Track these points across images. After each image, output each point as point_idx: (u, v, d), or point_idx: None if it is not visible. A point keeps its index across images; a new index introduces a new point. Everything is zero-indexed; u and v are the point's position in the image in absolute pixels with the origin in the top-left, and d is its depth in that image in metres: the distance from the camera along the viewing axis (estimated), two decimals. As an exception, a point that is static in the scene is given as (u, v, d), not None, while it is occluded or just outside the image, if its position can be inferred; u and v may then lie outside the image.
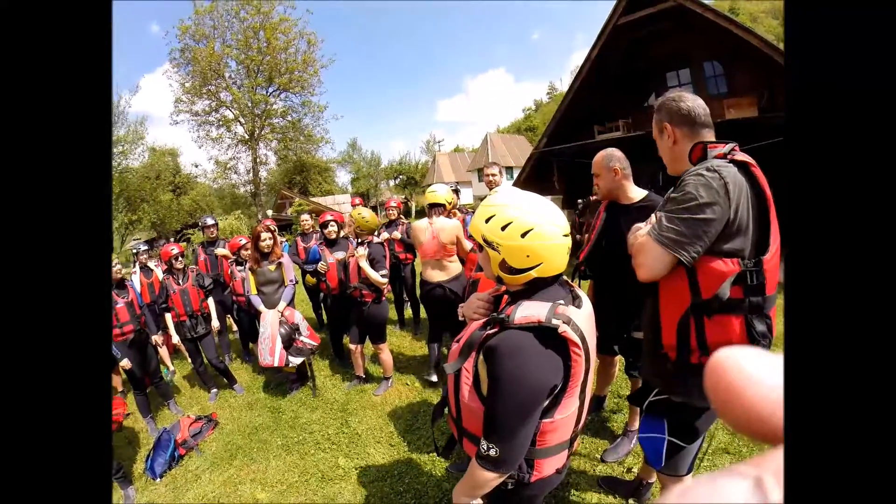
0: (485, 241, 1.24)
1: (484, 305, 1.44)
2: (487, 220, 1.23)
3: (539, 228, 1.19)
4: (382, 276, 3.83)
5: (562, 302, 1.21)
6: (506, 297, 1.40)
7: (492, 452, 1.17)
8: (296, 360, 4.25)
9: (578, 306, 1.27)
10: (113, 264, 4.30)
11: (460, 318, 1.55)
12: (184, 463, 3.73)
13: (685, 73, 12.86)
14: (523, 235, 1.18)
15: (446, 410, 1.52)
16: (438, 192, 3.99)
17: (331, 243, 4.55)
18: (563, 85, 79.62)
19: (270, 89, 26.72)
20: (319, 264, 4.49)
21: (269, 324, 4.25)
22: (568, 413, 1.26)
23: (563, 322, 1.14)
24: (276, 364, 4.20)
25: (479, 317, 1.40)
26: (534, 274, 1.22)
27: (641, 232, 1.62)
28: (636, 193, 2.52)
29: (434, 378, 4.15)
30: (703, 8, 10.09)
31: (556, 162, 13.56)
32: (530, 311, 1.17)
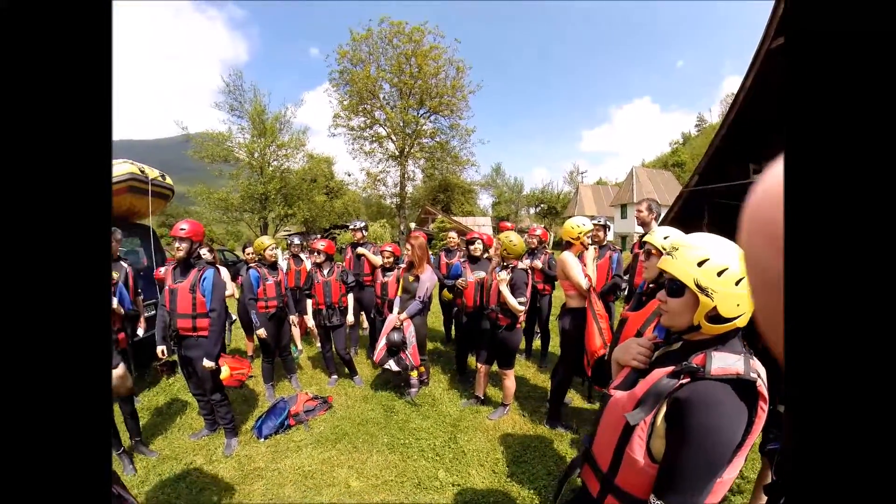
0: (698, 286, 1.14)
1: (645, 353, 1.36)
2: (701, 264, 1.14)
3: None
4: (520, 303, 3.73)
5: (745, 353, 1.13)
6: (652, 346, 1.36)
7: None
8: (392, 366, 4.39)
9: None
10: (271, 248, 4.84)
11: (612, 365, 1.49)
12: (290, 433, 3.97)
13: (849, 101, 11.10)
14: (737, 283, 1.11)
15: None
16: (565, 227, 3.84)
17: (473, 261, 4.67)
18: (713, 116, 73.99)
19: (421, 111, 28.32)
20: (459, 280, 4.61)
21: (386, 323, 4.49)
22: (734, 472, 1.15)
23: (757, 376, 1.07)
24: (375, 359, 4.46)
25: (637, 363, 1.34)
26: (738, 324, 1.14)
27: None
28: None
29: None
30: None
31: (706, 203, 12.37)
32: (728, 362, 1.10)
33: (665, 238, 2.20)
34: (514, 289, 3.76)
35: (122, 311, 3.79)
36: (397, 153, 28.95)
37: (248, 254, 5.80)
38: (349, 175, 32.29)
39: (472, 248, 4.66)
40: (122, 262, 4.52)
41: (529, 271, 3.90)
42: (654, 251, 2.27)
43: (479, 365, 4.24)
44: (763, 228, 0.28)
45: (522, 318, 3.88)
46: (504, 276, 3.77)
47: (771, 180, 0.29)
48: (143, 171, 5.75)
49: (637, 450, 1.18)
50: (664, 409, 1.15)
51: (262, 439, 3.82)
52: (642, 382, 1.24)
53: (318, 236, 6.99)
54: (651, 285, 2.41)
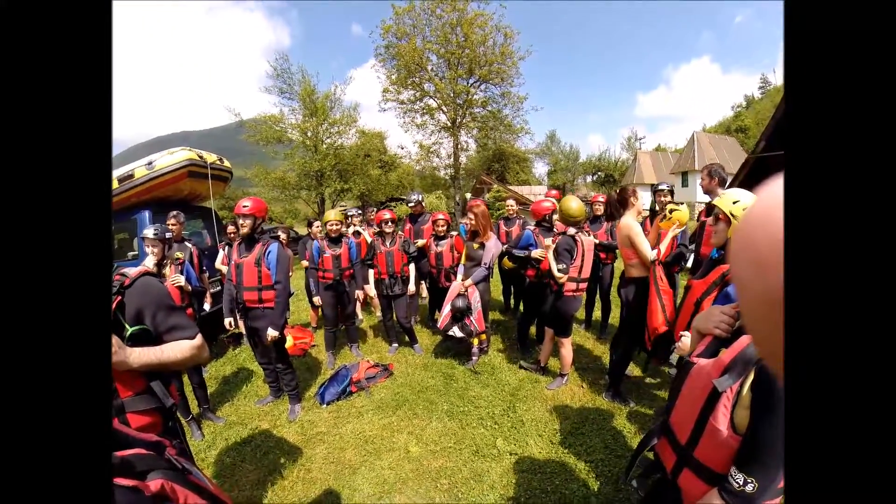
0: None
1: (728, 321, 1.29)
2: None
3: None
4: (559, 269, 3.67)
5: None
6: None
7: (748, 488, 1.03)
8: (456, 332, 4.42)
9: None
10: (333, 224, 4.87)
11: (693, 333, 1.43)
12: (352, 399, 4.10)
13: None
14: None
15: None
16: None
17: (548, 231, 4.57)
18: (777, 77, 68.26)
19: (471, 80, 27.61)
20: (536, 251, 4.49)
21: (451, 290, 4.52)
22: None
23: None
24: (439, 325, 4.50)
25: (720, 332, 1.27)
26: None
27: None
28: None
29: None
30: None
31: (775, 171, 11.54)
32: None
33: (735, 203, 2.06)
34: (557, 255, 3.70)
35: (189, 287, 3.98)
36: (449, 124, 28.60)
37: (317, 227, 6.03)
38: (402, 148, 31.92)
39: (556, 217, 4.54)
40: (187, 243, 4.72)
41: (579, 240, 3.75)
42: (721, 216, 2.13)
43: (546, 328, 4.22)
44: (746, 250, 0.29)
45: (571, 286, 3.78)
46: (549, 241, 3.71)
47: (757, 204, 0.30)
48: (201, 157, 6.01)
49: (721, 419, 1.12)
50: (751, 377, 1.08)
51: (325, 405, 3.96)
52: (728, 350, 1.17)
53: (375, 209, 7.12)
54: (722, 252, 2.27)
